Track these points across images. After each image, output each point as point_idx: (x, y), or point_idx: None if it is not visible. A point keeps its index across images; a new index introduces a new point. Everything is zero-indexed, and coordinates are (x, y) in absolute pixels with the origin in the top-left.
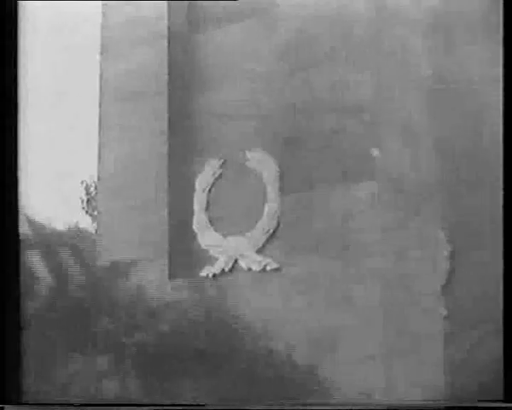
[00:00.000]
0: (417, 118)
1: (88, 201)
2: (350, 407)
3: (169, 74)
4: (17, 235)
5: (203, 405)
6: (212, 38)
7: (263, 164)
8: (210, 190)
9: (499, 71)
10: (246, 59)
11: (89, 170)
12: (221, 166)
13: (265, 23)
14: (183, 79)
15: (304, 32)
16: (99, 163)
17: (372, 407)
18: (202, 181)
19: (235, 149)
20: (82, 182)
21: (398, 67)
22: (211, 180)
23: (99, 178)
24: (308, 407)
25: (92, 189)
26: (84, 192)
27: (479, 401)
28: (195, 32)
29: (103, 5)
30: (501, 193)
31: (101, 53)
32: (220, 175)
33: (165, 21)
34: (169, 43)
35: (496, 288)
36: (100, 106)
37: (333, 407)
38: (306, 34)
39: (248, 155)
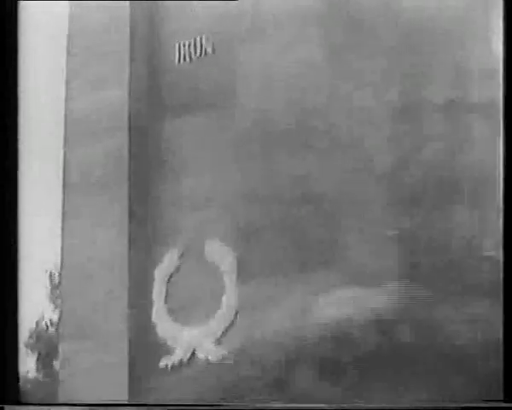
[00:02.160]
0: (378, 209)
1: (52, 289)
2: (350, 408)
3: (129, 164)
4: (16, 238)
5: (204, 405)
6: (172, 128)
7: (221, 255)
8: (169, 281)
9: (463, 161)
10: (205, 148)
11: (53, 258)
12: (180, 257)
13: (225, 113)
14: (144, 168)
15: (263, 123)
16: (62, 252)
17: (371, 408)
18: (161, 271)
19: (193, 240)
20: (46, 270)
21: (357, 158)
22: (170, 271)
23: (62, 268)
24: (308, 407)
25: (56, 277)
26: (48, 281)
27: (479, 401)
28: (156, 121)
29: (66, 98)
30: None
31: (64, 144)
32: (179, 266)
33: (126, 110)
34: (130, 132)
35: None
36: (63, 195)
37: (332, 407)
38: (265, 125)
39: (206, 245)
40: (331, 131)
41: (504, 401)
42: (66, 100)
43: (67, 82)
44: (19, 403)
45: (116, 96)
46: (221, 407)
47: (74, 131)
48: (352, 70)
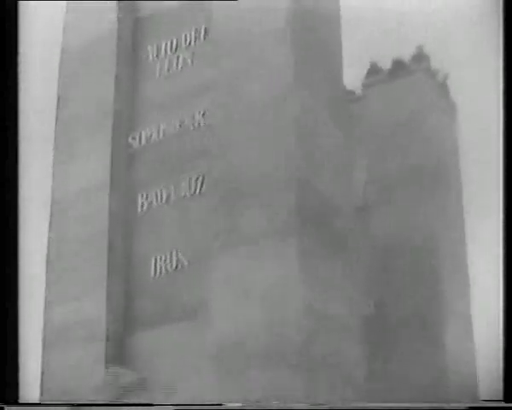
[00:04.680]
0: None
1: None
2: (349, 408)
3: (105, 373)
4: (16, 238)
5: (204, 405)
6: (147, 340)
7: None
8: None
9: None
10: (180, 360)
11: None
12: None
13: (198, 326)
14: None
15: (235, 336)
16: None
17: (371, 408)
18: None
19: None
20: None
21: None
22: None
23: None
24: (308, 408)
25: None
26: None
27: (479, 401)
28: (132, 334)
29: (45, 307)
30: None
31: (43, 352)
32: None
33: (103, 323)
34: (106, 343)
35: None
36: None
37: (333, 407)
38: (238, 337)
39: None
40: (305, 347)
41: (504, 401)
42: (45, 309)
43: (46, 292)
44: (19, 403)
45: (93, 308)
46: (221, 407)
47: (53, 339)
48: (327, 283)
